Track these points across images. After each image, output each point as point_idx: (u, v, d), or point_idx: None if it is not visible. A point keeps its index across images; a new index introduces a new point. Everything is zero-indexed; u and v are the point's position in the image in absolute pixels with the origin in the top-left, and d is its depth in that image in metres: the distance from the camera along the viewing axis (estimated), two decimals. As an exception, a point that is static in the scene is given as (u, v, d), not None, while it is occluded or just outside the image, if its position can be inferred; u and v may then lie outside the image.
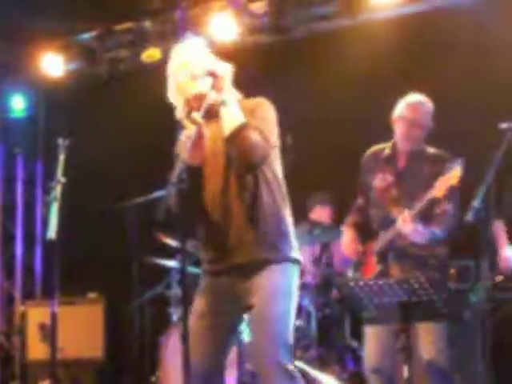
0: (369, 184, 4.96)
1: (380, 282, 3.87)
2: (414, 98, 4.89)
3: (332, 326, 6.33)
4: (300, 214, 6.59)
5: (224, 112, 3.62)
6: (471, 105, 6.36)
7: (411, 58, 6.80)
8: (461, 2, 6.62)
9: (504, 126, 4.35)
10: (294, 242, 3.79)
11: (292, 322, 3.68)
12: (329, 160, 6.93)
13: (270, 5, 7.23)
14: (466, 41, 6.51)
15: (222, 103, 3.61)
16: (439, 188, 4.47)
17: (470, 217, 4.09)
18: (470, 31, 6.47)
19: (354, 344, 6.21)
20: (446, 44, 6.66)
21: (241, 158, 3.59)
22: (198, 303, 3.75)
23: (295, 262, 3.76)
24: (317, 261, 6.46)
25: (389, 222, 4.75)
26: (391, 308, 3.89)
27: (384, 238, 4.78)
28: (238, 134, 3.55)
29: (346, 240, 5.01)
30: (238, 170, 3.66)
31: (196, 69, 3.67)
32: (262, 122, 3.67)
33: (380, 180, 4.90)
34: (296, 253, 3.77)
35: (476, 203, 4.13)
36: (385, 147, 4.98)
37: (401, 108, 4.89)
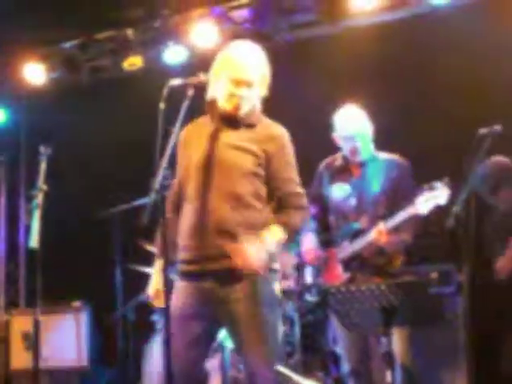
0: (324, 195, 5.00)
1: (362, 288, 3.88)
2: (344, 113, 4.93)
3: (315, 331, 6.33)
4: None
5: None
6: (451, 110, 6.38)
7: (393, 64, 6.82)
8: (440, 9, 6.66)
9: (484, 131, 4.41)
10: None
11: (280, 332, 3.71)
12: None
13: (251, 12, 7.25)
14: (445, 46, 6.55)
15: None
16: (424, 205, 4.50)
17: (450, 223, 4.13)
18: (449, 37, 6.51)
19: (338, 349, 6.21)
20: (426, 49, 6.71)
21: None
22: (173, 307, 3.61)
23: (274, 271, 3.78)
24: (298, 266, 6.45)
25: (354, 231, 4.80)
26: (372, 313, 3.90)
27: (352, 247, 4.82)
28: (289, 240, 3.77)
29: (307, 247, 5.04)
30: None
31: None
32: (291, 168, 3.87)
33: (337, 190, 4.93)
34: (276, 263, 3.79)
35: (456, 208, 4.17)
36: (336, 158, 5.02)
37: (336, 126, 4.92)
